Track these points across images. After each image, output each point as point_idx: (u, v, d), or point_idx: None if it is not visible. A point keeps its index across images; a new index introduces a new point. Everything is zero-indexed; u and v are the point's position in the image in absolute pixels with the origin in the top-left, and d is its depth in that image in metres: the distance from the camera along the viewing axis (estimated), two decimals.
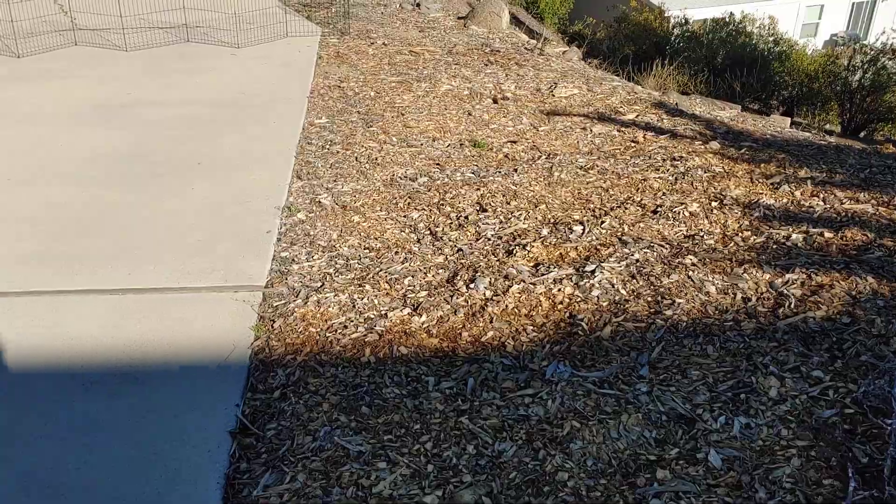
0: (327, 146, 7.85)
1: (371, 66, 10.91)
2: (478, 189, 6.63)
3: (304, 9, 13.70)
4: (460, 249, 5.70)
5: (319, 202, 6.61)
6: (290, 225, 6.21)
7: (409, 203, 6.53)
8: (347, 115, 8.87)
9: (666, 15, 27.22)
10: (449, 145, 7.90)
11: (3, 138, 7.95)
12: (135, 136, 8.07)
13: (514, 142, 7.91)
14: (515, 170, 7.07)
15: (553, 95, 9.69)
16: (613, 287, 4.97)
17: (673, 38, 26.04)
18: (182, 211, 6.39)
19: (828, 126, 24.52)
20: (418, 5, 14.43)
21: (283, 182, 7.02)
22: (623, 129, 8.29)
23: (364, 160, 7.47)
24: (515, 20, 26.45)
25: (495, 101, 9.57)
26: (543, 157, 7.49)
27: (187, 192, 6.70)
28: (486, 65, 11.23)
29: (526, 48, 12.29)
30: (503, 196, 6.49)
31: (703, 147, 7.55)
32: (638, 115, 8.85)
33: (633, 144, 7.79)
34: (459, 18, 13.86)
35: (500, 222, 6.10)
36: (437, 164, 7.39)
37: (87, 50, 11.29)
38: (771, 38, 25.51)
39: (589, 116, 8.87)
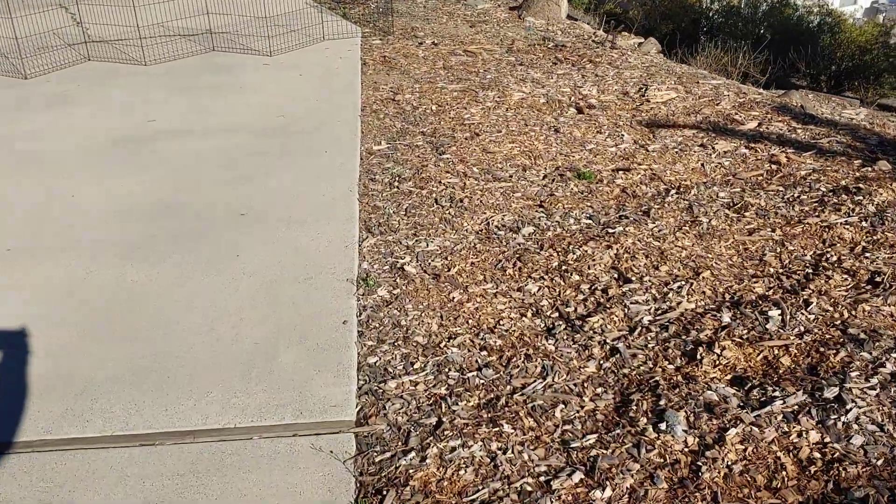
0: (396, 183, 6.03)
1: (425, 72, 9.03)
2: (607, 245, 4.80)
3: (338, 6, 11.80)
4: (615, 349, 3.88)
5: (403, 269, 4.80)
6: (372, 308, 4.42)
7: (519, 268, 4.71)
8: (411, 138, 7.02)
9: None
10: (545, 176, 6.05)
11: (1, 190, 6.15)
12: (162, 179, 6.28)
13: (627, 169, 6.06)
14: (646, 212, 5.22)
15: (647, 101, 7.79)
16: (882, 430, 3.12)
17: (712, 14, 23.90)
18: (227, 292, 4.63)
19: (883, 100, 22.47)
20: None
21: (351, 238, 5.22)
22: (752, 144, 6.41)
23: (445, 202, 5.64)
24: None
25: (580, 111, 7.69)
26: (672, 190, 5.63)
27: (231, 261, 4.93)
28: (555, 63, 9.33)
29: (594, 41, 10.35)
30: (645, 256, 4.65)
31: (871, 170, 5.68)
32: (761, 124, 6.95)
33: (775, 168, 5.91)
34: (512, 9, 11.92)
35: (656, 299, 4.27)
36: (540, 205, 5.55)
37: (102, 66, 9.47)
38: (819, 9, 23.41)
39: (701, 128, 6.98)
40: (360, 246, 5.25)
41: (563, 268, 4.78)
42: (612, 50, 9.85)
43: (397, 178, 6.21)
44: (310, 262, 4.98)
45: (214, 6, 10.22)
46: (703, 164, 6.24)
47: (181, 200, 5.90)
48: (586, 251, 4.90)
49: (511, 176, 6.18)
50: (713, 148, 6.54)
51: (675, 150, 6.57)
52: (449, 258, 5.01)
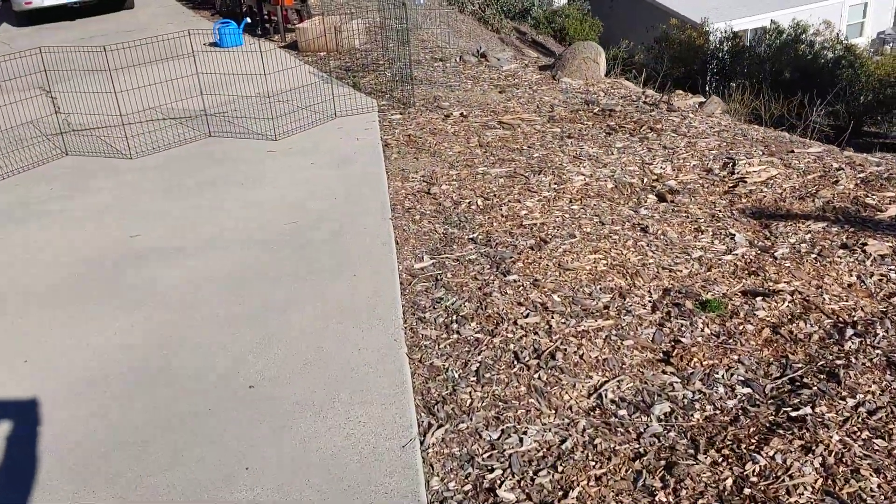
0: (454, 324, 4.26)
1: (459, 153, 7.24)
2: (801, 444, 2.94)
3: (346, 74, 10.03)
4: None
5: (495, 494, 2.91)
6: None
7: (673, 488, 2.81)
8: (460, 248, 5.23)
9: (707, 29, 23.48)
10: (655, 306, 4.26)
11: None
12: (146, 326, 4.55)
13: (765, 294, 4.23)
14: (830, 373, 3.42)
15: (741, 181, 6.00)
16: None
17: (722, 55, 22.25)
18: None
19: None
20: (484, 56, 10.72)
21: (406, 431, 3.48)
22: None
23: (530, 357, 3.86)
24: (542, 48, 22.81)
25: (662, 199, 5.89)
26: (847, 328, 3.79)
27: (239, 476, 3.06)
28: (610, 133, 7.54)
29: (646, 103, 8.56)
30: (875, 471, 2.75)
31: None
32: None
33: None
34: (543, 69, 10.15)
35: None
36: (666, 359, 3.75)
37: (82, 162, 7.71)
38: (841, 45, 21.76)
39: (829, 218, 5.18)
40: (422, 443, 3.40)
41: (744, 489, 2.88)
42: (671, 113, 8.05)
43: (455, 316, 4.40)
44: (345, 472, 3.12)
45: (209, 86, 8.45)
46: (861, 279, 4.39)
47: (170, 359, 4.13)
48: (771, 456, 3.01)
49: (608, 308, 4.35)
50: (863, 251, 4.72)
51: (812, 255, 4.74)
52: (560, 470, 3.14)
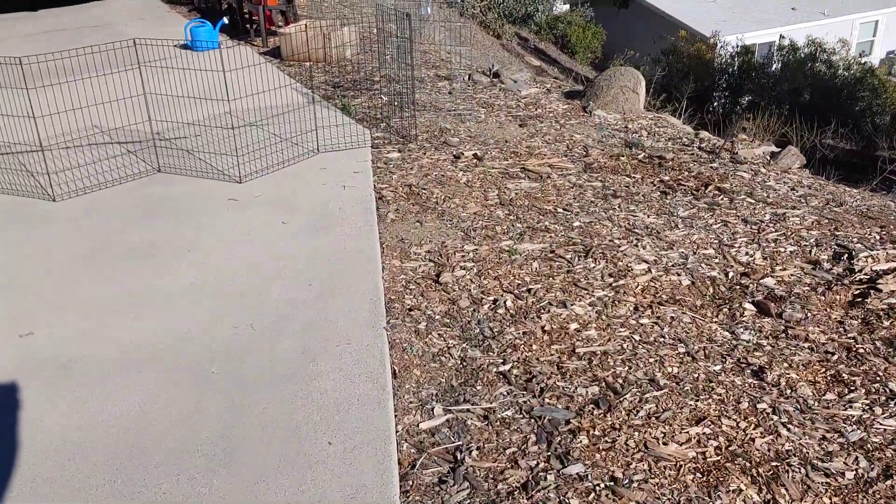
0: None
1: (475, 215, 5.28)
2: None
3: (335, 93, 8.00)
4: None
5: None
6: None
7: None
8: (487, 390, 3.41)
9: (717, 41, 21.52)
10: None
11: None
12: None
13: None
14: None
15: (870, 288, 4.09)
16: None
17: (733, 70, 20.30)
18: None
19: None
20: (497, 76, 8.69)
21: None
22: None
23: None
24: (543, 55, 20.79)
25: (764, 311, 4.08)
26: None
27: None
28: (665, 193, 5.63)
29: (702, 149, 6.61)
30: None
31: None
32: None
33: None
34: (570, 97, 8.14)
35: None
36: None
37: None
38: (860, 66, 19.97)
39: None
40: None
41: None
42: (737, 166, 6.11)
43: None
44: None
45: (161, 106, 6.42)
46: None
47: None
48: None
49: None
50: None
51: None
52: None
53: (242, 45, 10.02)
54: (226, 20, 10.25)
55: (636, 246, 4.93)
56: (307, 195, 5.77)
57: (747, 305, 4.22)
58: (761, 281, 4.49)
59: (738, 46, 21.09)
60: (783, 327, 4.01)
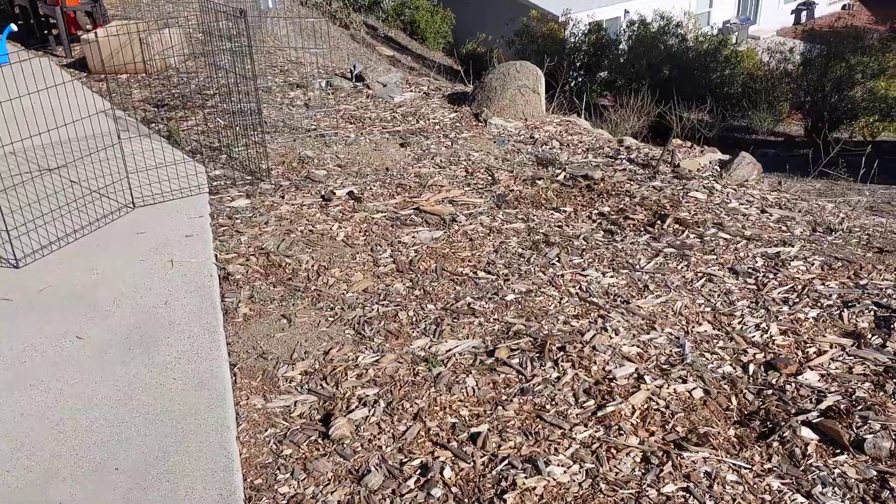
0: None
1: (365, 295, 3.56)
2: None
3: (157, 115, 5.89)
4: None
5: None
6: None
7: None
8: None
9: (566, 20, 20.38)
10: None
11: None
12: None
13: None
14: None
15: None
16: None
17: (587, 48, 19.21)
18: None
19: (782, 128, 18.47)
20: (361, 79, 6.79)
21: None
22: None
23: None
24: (394, 44, 19.00)
25: (831, 439, 2.43)
26: None
27: None
28: (611, 233, 4.07)
29: (633, 161, 5.05)
30: None
31: None
32: None
33: None
34: (454, 101, 6.36)
35: None
36: None
37: None
38: (716, 39, 19.35)
39: None
40: None
41: None
42: (684, 183, 4.56)
43: None
44: None
45: None
46: None
47: None
48: None
49: None
50: None
51: None
52: None
53: (40, 56, 7.65)
54: (14, 27, 7.81)
55: (604, 329, 3.24)
56: (116, 282, 3.74)
57: (804, 432, 2.58)
58: (798, 378, 2.87)
59: (589, 24, 20.02)
60: (875, 473, 2.39)
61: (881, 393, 2.87)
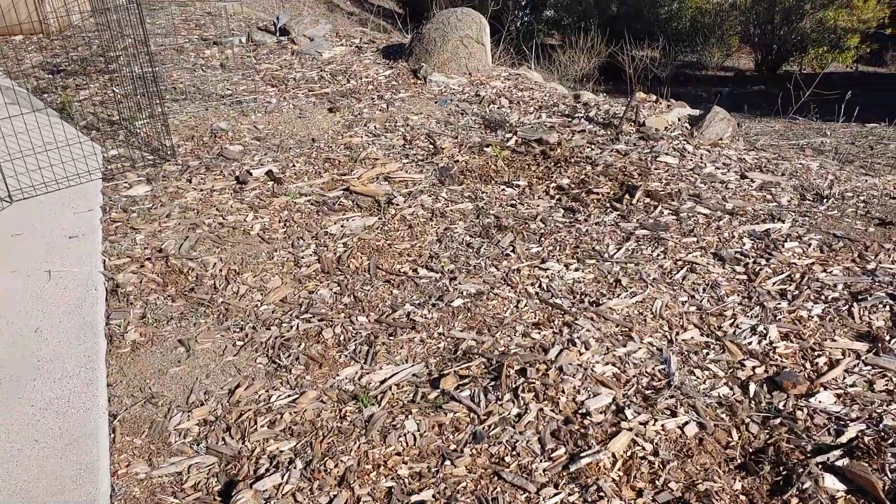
0: None
1: (283, 306, 2.89)
2: None
3: (52, 83, 5.00)
4: None
5: None
6: None
7: None
8: None
9: None
10: None
11: None
12: None
13: None
14: None
15: None
16: None
17: None
18: None
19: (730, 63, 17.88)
20: (286, 32, 5.94)
21: None
22: None
23: None
24: None
25: (859, 486, 1.80)
26: None
27: None
28: (572, 210, 3.38)
29: (592, 120, 4.33)
30: None
31: None
32: None
33: None
34: (389, 55, 5.57)
35: None
36: None
37: None
38: None
39: None
40: None
41: None
42: (652, 145, 3.89)
43: None
44: None
45: None
46: None
47: None
48: None
49: None
50: None
51: None
52: None
53: None
54: None
55: (572, 343, 2.59)
56: None
57: (828, 482, 1.98)
58: (810, 400, 2.26)
59: None
60: None
61: None
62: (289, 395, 2.57)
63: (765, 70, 14.70)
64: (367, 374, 2.66)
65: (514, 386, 2.53)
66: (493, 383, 2.56)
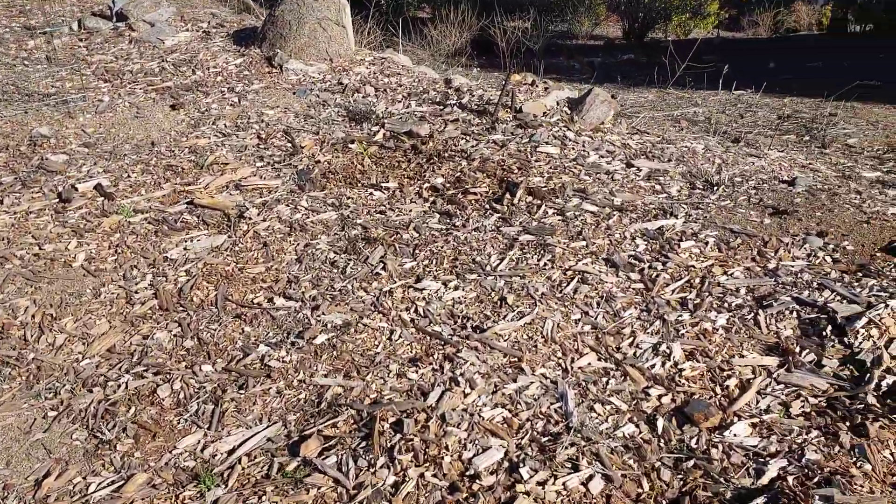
0: None
1: (109, 359, 2.45)
2: None
3: None
4: None
5: None
6: None
7: None
8: None
9: None
10: None
11: None
12: None
13: None
14: None
15: None
16: None
17: None
18: None
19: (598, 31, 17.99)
20: (123, 17, 5.24)
21: None
22: None
23: None
24: None
25: None
26: None
27: None
28: (446, 215, 2.89)
29: (465, 107, 3.94)
30: None
31: None
32: None
33: None
34: (240, 40, 4.97)
35: None
36: None
37: None
38: None
39: None
40: None
41: None
42: (531, 131, 3.54)
43: None
44: None
45: None
46: None
47: None
48: None
49: None
50: None
51: None
52: None
53: None
54: None
55: (455, 382, 2.20)
56: None
57: None
58: (724, 434, 1.95)
59: None
60: None
61: (836, 447, 1.97)
62: (112, 482, 2.03)
63: (632, 38, 14.71)
64: (213, 442, 2.15)
65: (388, 445, 2.09)
66: (364, 444, 2.10)
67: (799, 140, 4.91)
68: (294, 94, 4.37)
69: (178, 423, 2.27)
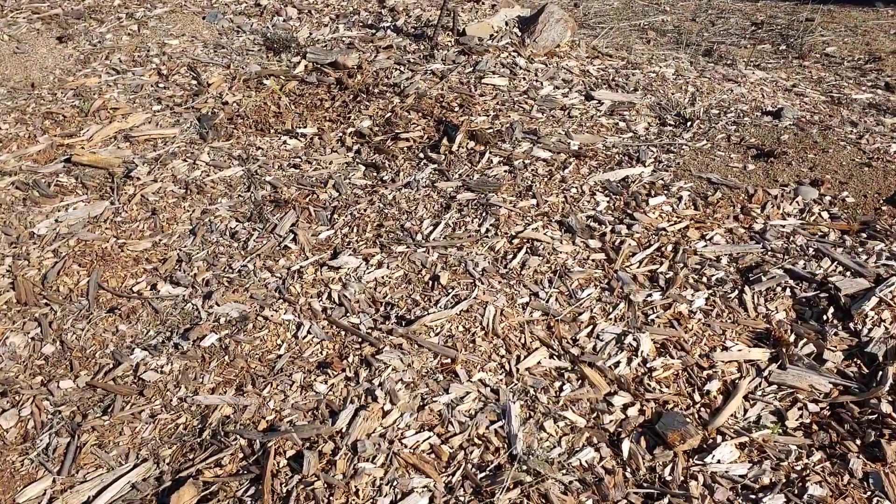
0: None
1: None
2: None
3: None
4: None
5: None
6: None
7: None
8: None
9: None
10: None
11: None
12: None
13: None
14: None
15: None
16: None
17: None
18: None
19: None
20: None
21: None
22: None
23: None
24: None
25: None
26: None
27: None
28: (375, 167, 2.47)
29: (401, 31, 3.38)
30: None
31: None
32: None
33: None
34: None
35: None
36: None
37: None
38: None
39: None
40: None
41: None
42: (476, 58, 2.95)
43: None
44: None
45: None
46: None
47: None
48: None
49: None
50: None
51: None
52: None
53: None
54: None
55: (372, 396, 1.77)
56: None
57: None
58: (705, 460, 1.48)
59: None
60: None
61: (845, 476, 1.49)
62: None
63: None
64: (63, 492, 1.63)
65: (284, 492, 1.58)
66: (252, 489, 1.59)
67: (775, 50, 4.35)
68: (203, 18, 3.69)
69: (23, 466, 1.74)
